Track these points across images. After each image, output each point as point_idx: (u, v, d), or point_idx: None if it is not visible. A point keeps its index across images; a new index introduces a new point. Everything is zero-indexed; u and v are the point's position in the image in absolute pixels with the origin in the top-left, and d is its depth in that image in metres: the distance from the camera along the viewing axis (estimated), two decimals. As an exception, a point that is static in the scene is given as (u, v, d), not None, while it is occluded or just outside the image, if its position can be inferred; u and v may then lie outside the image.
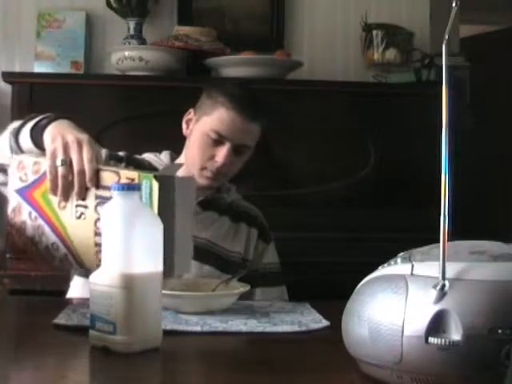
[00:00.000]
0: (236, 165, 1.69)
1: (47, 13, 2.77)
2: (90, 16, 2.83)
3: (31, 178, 1.28)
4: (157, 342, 1.05)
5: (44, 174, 1.26)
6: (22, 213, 1.29)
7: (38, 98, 2.52)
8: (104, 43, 2.85)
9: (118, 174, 1.20)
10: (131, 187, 1.06)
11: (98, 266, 1.09)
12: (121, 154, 1.75)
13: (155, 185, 1.15)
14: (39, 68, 2.71)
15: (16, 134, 1.36)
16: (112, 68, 2.73)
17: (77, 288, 1.66)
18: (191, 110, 1.73)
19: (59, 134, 1.27)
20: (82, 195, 1.23)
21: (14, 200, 1.31)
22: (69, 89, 2.55)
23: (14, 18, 2.83)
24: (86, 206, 1.23)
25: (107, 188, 1.19)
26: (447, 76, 0.84)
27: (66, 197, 1.24)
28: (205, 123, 1.66)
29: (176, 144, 1.74)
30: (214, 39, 2.73)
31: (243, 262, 1.72)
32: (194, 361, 1.04)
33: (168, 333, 1.09)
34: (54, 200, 1.26)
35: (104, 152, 1.61)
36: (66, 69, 2.71)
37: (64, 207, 1.25)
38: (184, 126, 1.73)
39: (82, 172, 1.23)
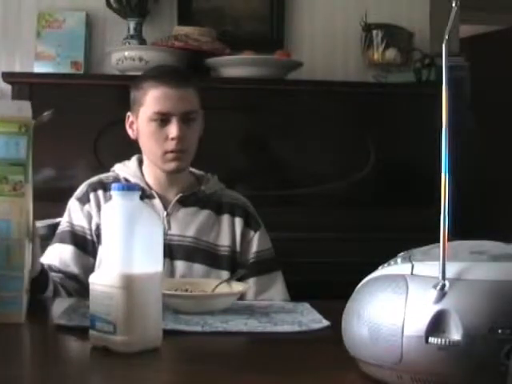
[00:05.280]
0: (193, 135, 1.69)
1: (47, 13, 2.77)
2: (90, 16, 2.83)
3: None
4: (157, 342, 1.05)
5: None
6: None
7: (37, 98, 2.51)
8: (104, 43, 2.85)
9: None
10: (131, 187, 1.06)
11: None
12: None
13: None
14: (39, 68, 2.71)
15: None
16: (112, 68, 2.73)
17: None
18: (129, 114, 1.73)
19: None
20: None
21: None
22: (69, 89, 2.55)
23: (14, 18, 2.83)
24: None
25: None
26: (447, 76, 0.84)
27: None
28: (144, 113, 1.67)
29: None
30: (213, 39, 2.73)
31: (233, 254, 1.69)
32: (194, 361, 1.04)
33: (168, 333, 1.09)
34: None
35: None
36: (65, 69, 2.71)
37: None
38: (129, 131, 1.74)
39: None
